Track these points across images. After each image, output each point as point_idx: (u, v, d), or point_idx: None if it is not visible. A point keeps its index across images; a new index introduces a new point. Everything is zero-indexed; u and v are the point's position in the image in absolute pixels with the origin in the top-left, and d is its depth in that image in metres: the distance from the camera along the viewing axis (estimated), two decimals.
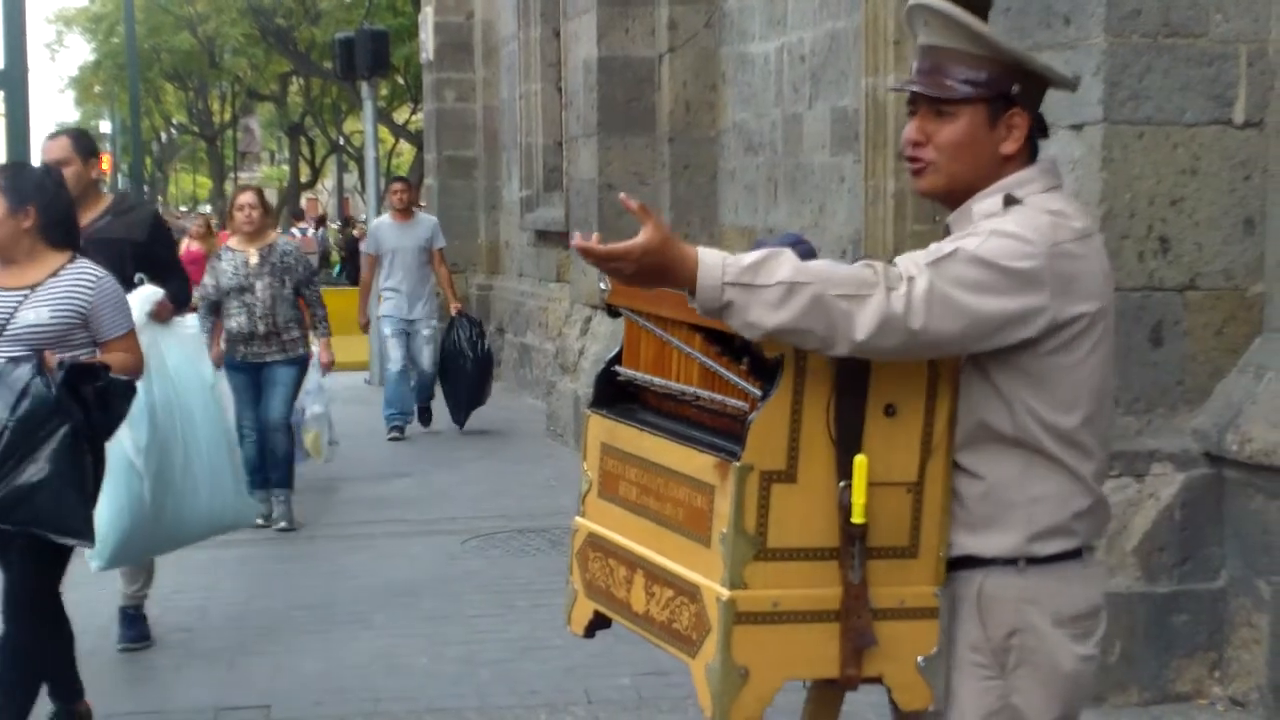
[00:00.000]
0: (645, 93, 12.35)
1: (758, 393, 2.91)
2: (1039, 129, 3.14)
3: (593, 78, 12.50)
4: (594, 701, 6.29)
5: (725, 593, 2.89)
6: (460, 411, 13.60)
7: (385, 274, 13.50)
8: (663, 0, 12.14)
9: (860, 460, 2.90)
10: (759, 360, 2.92)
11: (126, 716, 6.32)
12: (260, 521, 9.47)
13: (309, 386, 10.37)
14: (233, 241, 10.21)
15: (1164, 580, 6.02)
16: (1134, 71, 5.93)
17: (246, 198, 10.09)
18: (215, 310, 9.94)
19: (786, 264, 2.82)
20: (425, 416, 14.09)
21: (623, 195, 3.06)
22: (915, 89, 3.09)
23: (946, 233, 3.14)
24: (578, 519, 3.43)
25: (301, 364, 10.01)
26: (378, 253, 13.61)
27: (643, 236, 2.90)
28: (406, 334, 13.48)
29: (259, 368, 9.84)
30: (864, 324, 2.81)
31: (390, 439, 13.42)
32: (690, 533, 3.01)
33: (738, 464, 2.87)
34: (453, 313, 13.63)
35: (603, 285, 3.29)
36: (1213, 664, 6.07)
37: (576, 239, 2.93)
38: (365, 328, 14.46)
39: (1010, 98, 3.06)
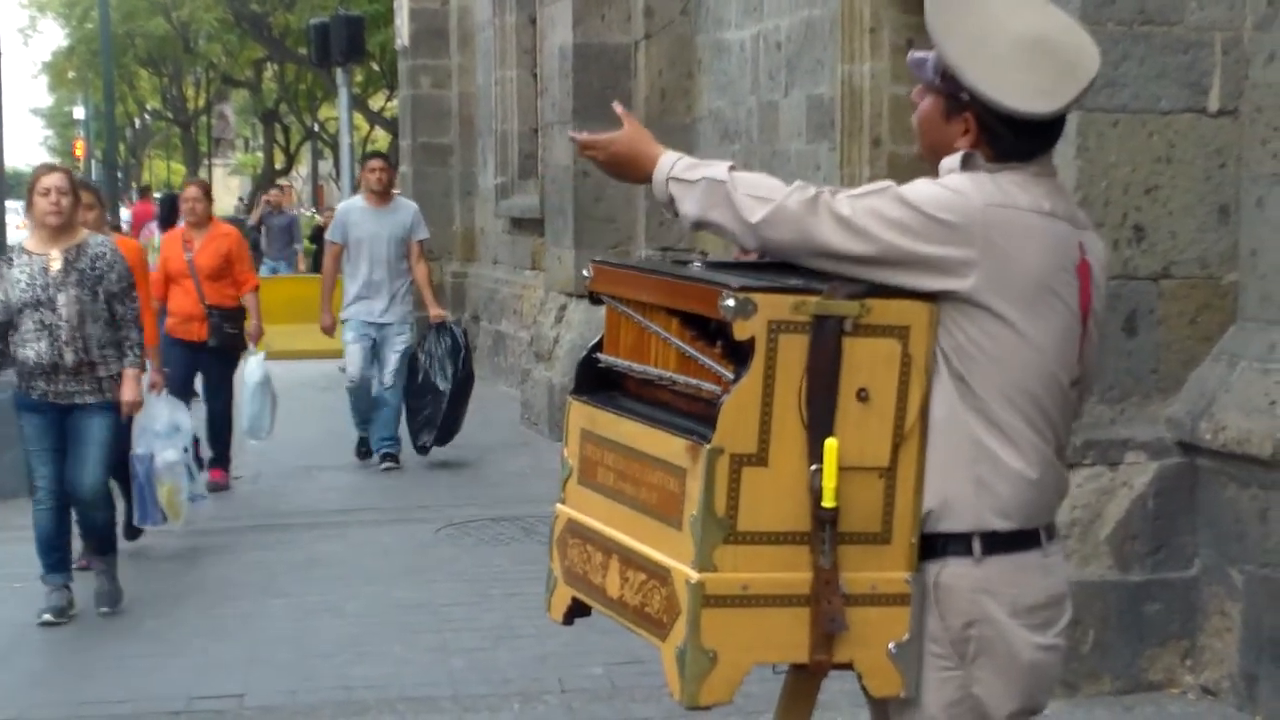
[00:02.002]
0: (621, 80, 12.33)
1: (730, 375, 2.91)
2: (1016, 145, 3.13)
3: (568, 64, 12.47)
4: (567, 690, 6.29)
5: (694, 575, 2.89)
6: (425, 436, 11.35)
7: (352, 267, 11.36)
8: None
9: (831, 444, 2.90)
10: (732, 343, 2.92)
11: (98, 704, 6.30)
12: (50, 618, 7.40)
13: (158, 426, 8.50)
14: (30, 241, 7.67)
15: (1137, 569, 6.04)
16: (1110, 59, 5.93)
17: (52, 179, 7.45)
18: (3, 334, 7.44)
19: (720, 166, 3.11)
20: (363, 448, 11.73)
21: (573, 134, 3.46)
22: (909, 60, 3.24)
23: None
24: (559, 505, 3.43)
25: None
26: (344, 241, 11.40)
27: (620, 131, 3.31)
28: (374, 342, 11.31)
29: (65, 411, 7.41)
30: (758, 211, 3.04)
31: (384, 469, 11.32)
32: (663, 516, 3.01)
33: (708, 446, 2.87)
34: (432, 320, 11.50)
35: (585, 273, 3.35)
36: (1185, 652, 6.09)
37: (573, 134, 3.36)
38: (328, 330, 11.92)
39: (960, 101, 3.11)
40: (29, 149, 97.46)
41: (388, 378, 11.29)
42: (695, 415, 3.03)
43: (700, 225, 3.13)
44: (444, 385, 11.17)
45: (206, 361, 10.55)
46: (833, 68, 9.40)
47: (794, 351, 2.89)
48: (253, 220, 29.25)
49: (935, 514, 3.05)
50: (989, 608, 3.08)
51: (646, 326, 3.17)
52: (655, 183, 3.18)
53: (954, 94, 3.11)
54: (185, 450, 8.64)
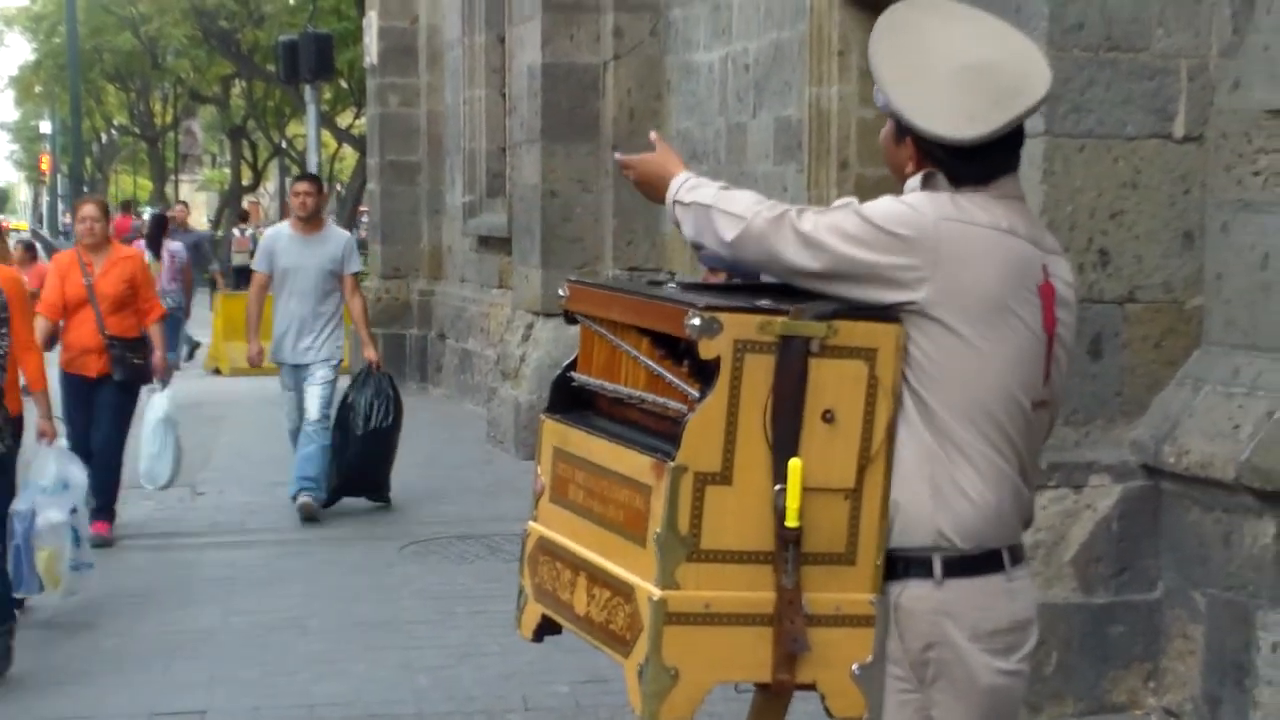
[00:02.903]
0: (589, 100, 12.34)
1: (695, 394, 2.91)
2: (968, 171, 3.17)
3: (537, 84, 12.47)
4: (531, 709, 6.27)
5: (657, 593, 2.89)
6: (331, 486, 10.16)
7: (277, 300, 10.32)
8: (608, 8, 12.13)
9: (795, 464, 2.90)
10: (699, 363, 2.92)
11: None
12: None
13: (44, 481, 7.46)
14: None
15: (1101, 591, 6.05)
16: (1076, 85, 5.96)
17: None
18: None
19: (711, 189, 3.18)
20: (308, 484, 10.17)
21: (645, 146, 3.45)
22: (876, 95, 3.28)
23: None
24: (531, 523, 3.43)
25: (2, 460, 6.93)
26: (269, 271, 10.31)
27: (651, 152, 3.35)
28: (301, 381, 10.26)
29: None
30: (731, 231, 3.08)
31: (301, 512, 10.02)
32: (629, 534, 3.02)
33: (671, 464, 2.87)
34: (368, 361, 10.34)
35: (561, 292, 3.38)
36: (1148, 675, 6.10)
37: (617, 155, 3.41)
38: (255, 361, 10.55)
39: (904, 126, 3.18)
40: None
41: (314, 412, 10.07)
42: (662, 434, 3.03)
43: (698, 248, 3.21)
44: (359, 435, 10.01)
45: (103, 396, 9.25)
46: (800, 90, 9.43)
47: (760, 371, 2.90)
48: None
49: (894, 531, 3.06)
50: (949, 631, 3.08)
51: (617, 345, 3.18)
52: (668, 208, 3.24)
53: (897, 119, 3.19)
54: (73, 511, 7.51)
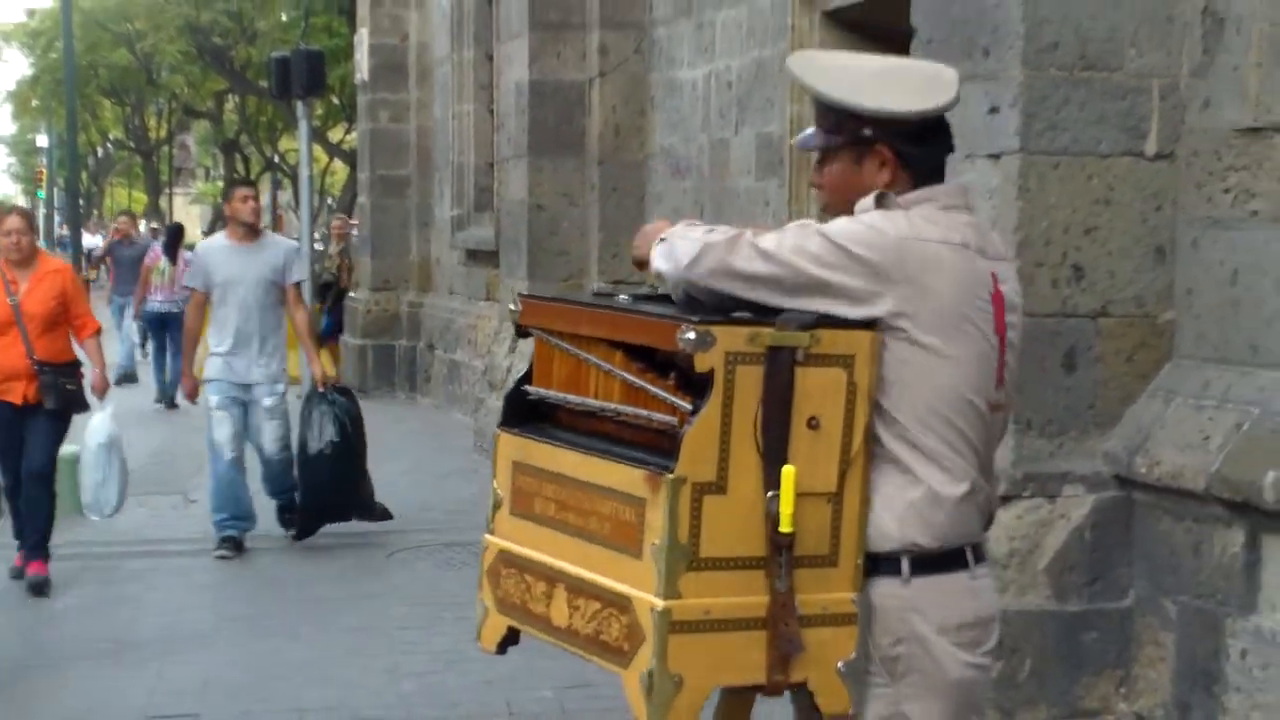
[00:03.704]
0: (575, 116, 12.35)
1: (687, 407, 2.92)
2: (924, 156, 3.26)
3: (524, 100, 12.48)
4: (515, 714, 6.27)
5: (660, 603, 2.88)
6: (302, 516, 9.54)
7: (215, 317, 9.43)
8: (594, 26, 12.15)
9: (788, 471, 2.91)
10: (685, 375, 2.93)
11: None
12: None
13: None
14: None
15: (1074, 599, 6.05)
16: (1050, 103, 5.97)
17: None
18: None
19: (679, 229, 3.21)
20: (286, 517, 9.78)
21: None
22: (798, 144, 3.39)
23: None
24: (488, 537, 3.40)
25: None
26: (206, 287, 9.40)
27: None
28: (243, 405, 9.39)
29: None
30: (689, 252, 3.11)
31: (218, 557, 9.21)
32: (618, 545, 3.00)
33: (671, 476, 2.87)
34: (316, 380, 9.51)
35: (512, 307, 3.35)
36: (1120, 681, 6.11)
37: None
38: (191, 395, 9.90)
39: (865, 139, 3.22)
40: None
41: (270, 446, 9.40)
42: (644, 445, 3.02)
43: (659, 275, 3.19)
44: (325, 458, 9.26)
45: (32, 423, 8.33)
46: (782, 107, 9.45)
47: (750, 382, 2.91)
48: (100, 251, 26.93)
49: (867, 536, 3.10)
50: (917, 626, 3.13)
51: (586, 360, 3.16)
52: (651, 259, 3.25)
53: (857, 138, 3.22)
54: None
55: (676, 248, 3.13)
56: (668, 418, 2.97)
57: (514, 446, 3.34)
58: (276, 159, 46.24)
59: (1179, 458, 5.79)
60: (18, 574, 8.43)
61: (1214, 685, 5.67)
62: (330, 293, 19.26)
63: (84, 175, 53.51)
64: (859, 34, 8.74)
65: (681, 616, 2.89)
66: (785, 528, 2.91)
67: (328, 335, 18.16)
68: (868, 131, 3.21)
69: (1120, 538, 6.08)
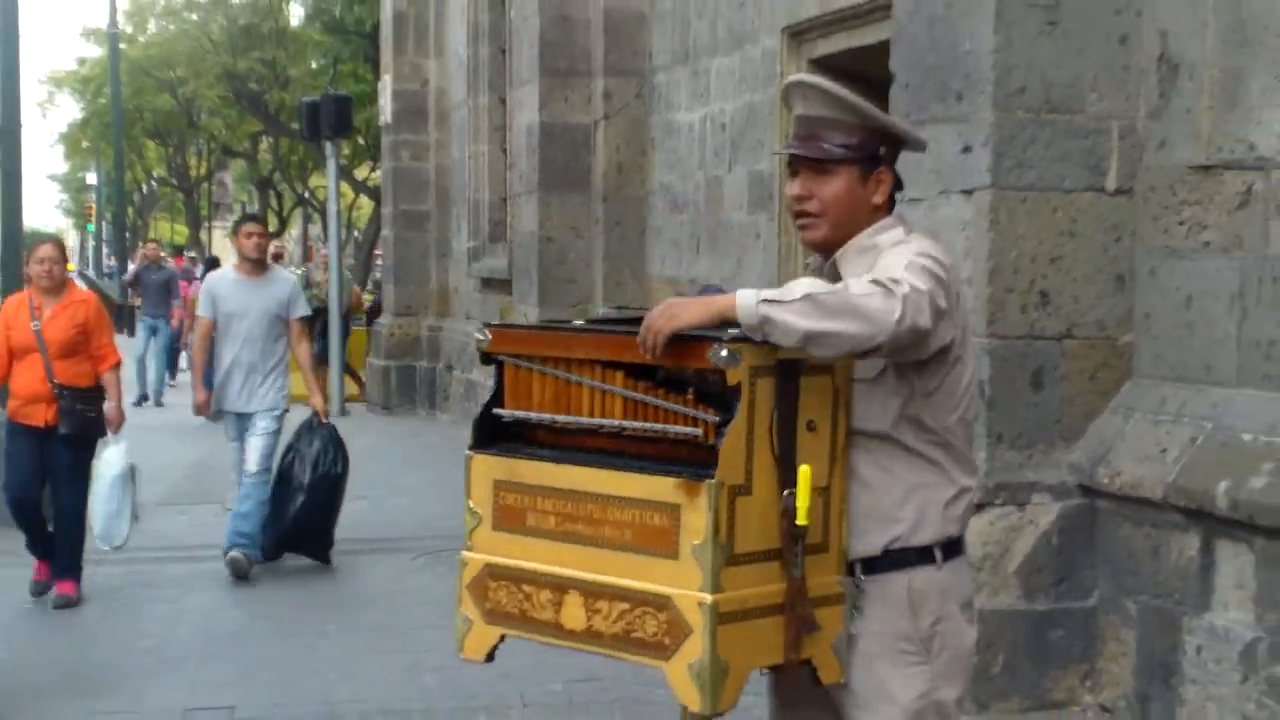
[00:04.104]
0: (582, 155, 12.37)
1: (713, 419, 2.91)
2: (897, 183, 3.29)
3: (534, 141, 12.50)
4: (528, 705, 6.25)
5: (708, 598, 2.88)
6: (271, 541, 8.94)
7: (220, 346, 9.03)
8: (599, 73, 12.16)
9: (805, 470, 2.94)
10: (702, 391, 2.94)
11: (100, 715, 6.23)
12: None
13: None
14: None
15: (1042, 599, 6.04)
16: (1019, 143, 5.98)
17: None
18: None
19: (803, 284, 2.92)
20: (238, 539, 8.81)
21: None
22: (800, 153, 3.21)
23: (828, 272, 3.25)
24: (466, 554, 3.30)
25: None
26: (213, 316, 9.05)
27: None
28: (242, 432, 9.03)
29: None
30: (898, 310, 2.88)
31: (230, 569, 8.74)
32: (646, 549, 2.97)
33: (711, 482, 2.87)
34: (316, 412, 9.13)
35: (479, 336, 3.25)
36: (1085, 674, 6.10)
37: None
38: (202, 409, 9.28)
39: (878, 158, 3.22)
40: (46, 211, 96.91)
41: (252, 463, 8.83)
42: (654, 457, 3.00)
43: (809, 338, 2.87)
44: (300, 487, 8.84)
45: (57, 451, 8.05)
46: (771, 147, 9.45)
47: (765, 392, 2.93)
48: (128, 277, 26.75)
49: (911, 533, 3.15)
50: (950, 606, 3.20)
51: (576, 381, 3.10)
52: (743, 310, 2.87)
53: (872, 155, 3.20)
54: None
55: (870, 313, 2.87)
56: (688, 429, 2.95)
57: (493, 466, 3.25)
58: (307, 195, 46.24)
59: (1138, 469, 5.78)
60: (38, 589, 8.12)
61: (1172, 678, 5.66)
62: (319, 319, 18.83)
63: (130, 210, 53.52)
64: (842, 79, 8.71)
65: (727, 608, 2.90)
66: (802, 520, 2.94)
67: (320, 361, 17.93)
68: (882, 150, 3.21)
69: (1084, 542, 6.07)
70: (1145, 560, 5.82)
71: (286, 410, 9.05)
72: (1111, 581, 6.01)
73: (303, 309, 9.23)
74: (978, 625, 3.48)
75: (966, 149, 6.05)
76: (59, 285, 8.18)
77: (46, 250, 8.24)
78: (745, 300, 2.88)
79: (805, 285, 2.90)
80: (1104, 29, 6.03)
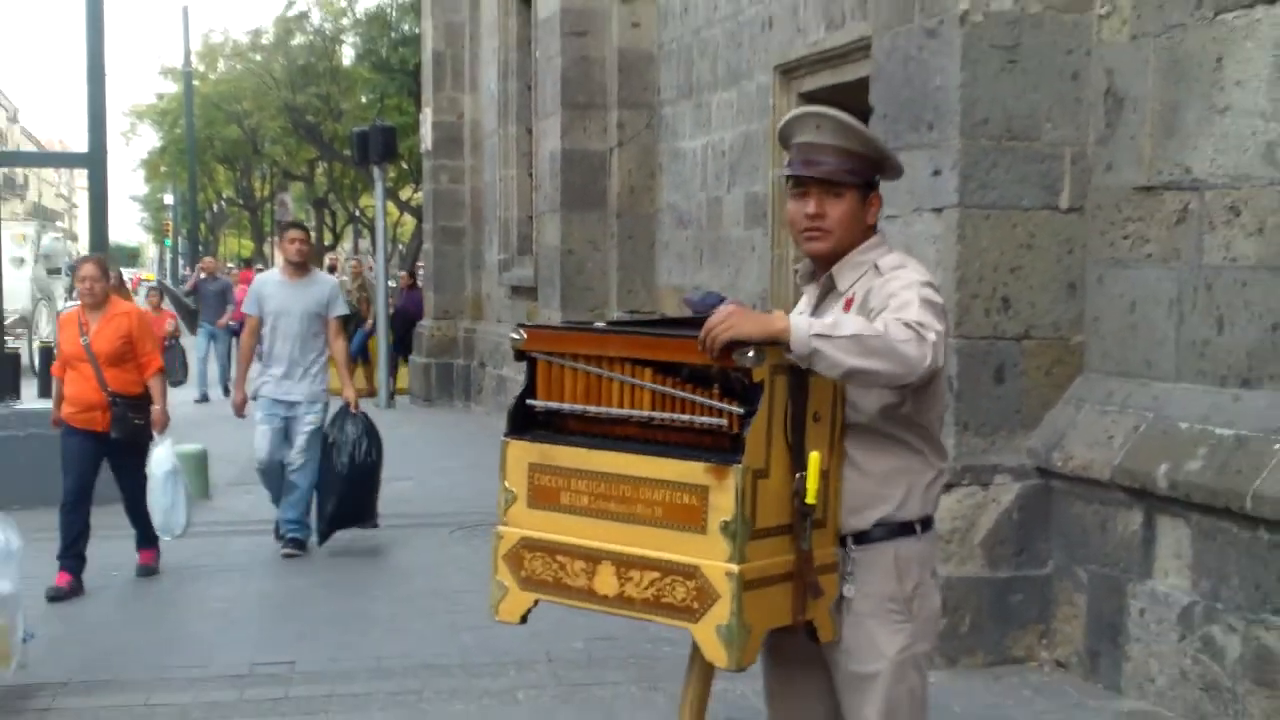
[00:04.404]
0: (599, 178, 12.37)
1: (738, 410, 2.92)
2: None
3: (557, 165, 12.50)
4: (553, 660, 6.25)
5: (735, 568, 2.88)
6: (320, 522, 8.76)
7: (265, 342, 8.81)
8: (613, 106, 12.17)
9: (815, 456, 2.96)
10: (726, 386, 2.95)
11: (176, 669, 6.24)
12: None
13: None
14: None
15: (1004, 567, 6.04)
16: (983, 167, 5.97)
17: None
18: None
19: (850, 324, 2.90)
20: (288, 528, 8.77)
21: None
22: (821, 175, 3.20)
23: (821, 281, 3.29)
24: (502, 528, 3.29)
25: None
26: (259, 314, 8.83)
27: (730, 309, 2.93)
28: (286, 420, 8.70)
29: None
30: (929, 356, 2.90)
31: (285, 555, 8.63)
32: (676, 525, 2.96)
33: (739, 466, 2.88)
34: (348, 403, 8.74)
35: (514, 335, 3.23)
36: (1041, 634, 6.09)
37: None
38: (240, 408, 9.10)
39: (873, 184, 3.25)
40: (129, 228, 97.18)
41: (296, 457, 8.64)
42: (682, 444, 3.01)
43: (851, 373, 2.89)
44: (342, 471, 8.60)
45: (112, 452, 7.84)
46: (766, 170, 9.45)
47: (781, 387, 2.94)
48: (188, 287, 26.71)
49: (897, 510, 3.18)
50: (926, 572, 3.24)
51: (609, 376, 3.09)
52: (796, 341, 2.84)
53: (868, 180, 3.23)
54: (18, 582, 5.67)
55: (905, 355, 2.88)
56: (714, 420, 2.95)
57: (528, 451, 3.23)
58: (357, 213, 46.25)
59: (1088, 453, 5.78)
60: (56, 594, 7.49)
61: (1118, 637, 5.66)
62: (350, 323, 18.74)
63: (202, 227, 53.61)
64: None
65: (751, 576, 2.91)
66: (811, 500, 2.96)
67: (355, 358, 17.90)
68: (876, 178, 3.24)
69: (1041, 518, 6.07)
70: (1094, 533, 5.82)
71: (326, 404, 8.80)
72: (1065, 552, 6.00)
73: (341, 308, 8.98)
74: (946, 591, 3.50)
75: (937, 172, 6.04)
76: (101, 300, 7.81)
77: (87, 269, 7.92)
78: (799, 331, 2.85)
79: (852, 325, 2.89)
80: (1058, 66, 6.02)
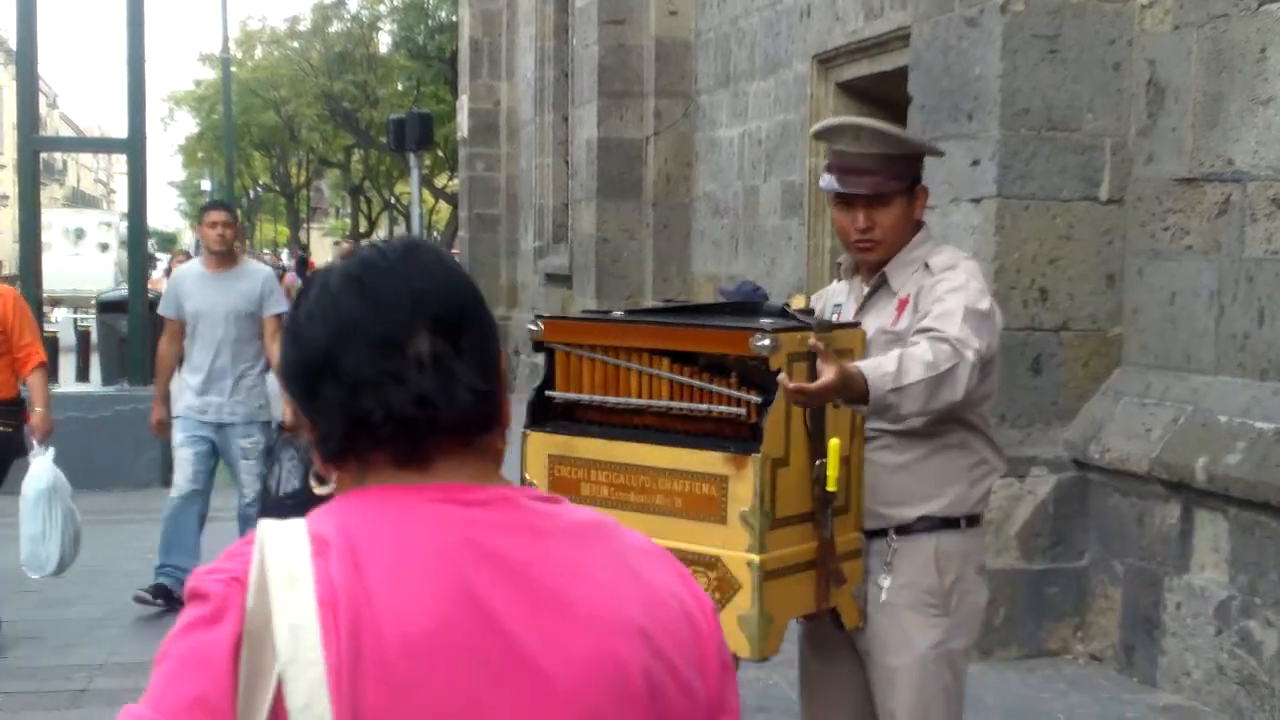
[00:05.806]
0: (635, 167, 12.36)
1: (756, 399, 2.91)
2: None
3: (593, 154, 12.50)
4: None
5: (755, 558, 2.88)
6: None
7: (187, 349, 7.04)
8: (650, 94, 12.15)
9: (834, 443, 2.93)
10: (744, 374, 2.94)
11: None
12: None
13: None
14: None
15: (1039, 559, 6.02)
16: (1022, 157, 5.95)
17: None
18: None
19: (915, 367, 2.86)
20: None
21: (812, 340, 2.90)
22: (863, 192, 3.16)
23: (873, 279, 3.26)
24: None
25: None
26: (178, 316, 6.99)
27: (830, 375, 2.78)
28: (211, 444, 6.91)
29: None
30: (971, 380, 2.92)
31: (136, 599, 6.80)
32: (696, 515, 2.96)
33: (758, 455, 2.87)
34: (285, 423, 6.72)
35: (532, 326, 3.21)
36: (1076, 627, 6.08)
37: (789, 384, 2.79)
38: (158, 429, 7.15)
39: (918, 179, 3.24)
40: (166, 213, 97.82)
41: (248, 493, 6.91)
42: (700, 434, 3.00)
43: (923, 414, 2.95)
44: (284, 507, 6.16)
45: None
46: (802, 160, 9.43)
47: (800, 375, 2.91)
48: None
49: (946, 505, 3.17)
50: (969, 568, 3.22)
51: (627, 367, 3.08)
52: (875, 400, 2.85)
53: (916, 179, 3.22)
54: None
55: (951, 377, 2.91)
56: (732, 409, 2.94)
57: (547, 442, 3.21)
58: (393, 200, 46.44)
59: (1126, 446, 5.76)
60: None
61: (1154, 631, 5.64)
62: None
63: (239, 213, 53.94)
64: (864, 100, 8.72)
65: (771, 566, 2.91)
66: (832, 487, 2.94)
67: None
68: (920, 172, 3.23)
69: (1077, 510, 6.05)
70: (1131, 526, 5.80)
71: (267, 421, 7.04)
72: (1101, 545, 5.98)
73: (278, 304, 6.88)
74: None
75: (976, 162, 6.02)
76: None
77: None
78: (876, 390, 2.82)
79: (917, 371, 2.86)
80: (1099, 56, 5.98)
